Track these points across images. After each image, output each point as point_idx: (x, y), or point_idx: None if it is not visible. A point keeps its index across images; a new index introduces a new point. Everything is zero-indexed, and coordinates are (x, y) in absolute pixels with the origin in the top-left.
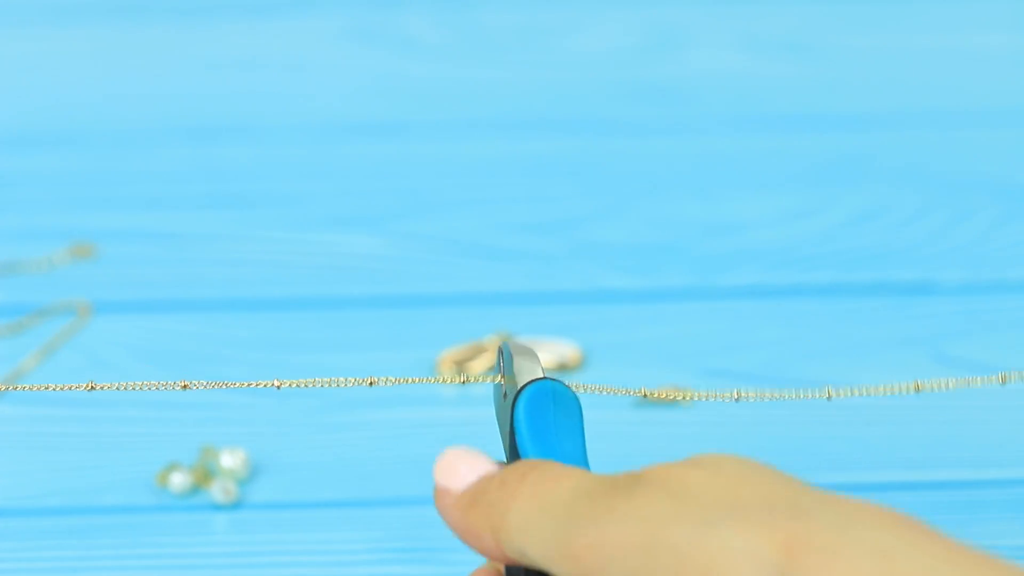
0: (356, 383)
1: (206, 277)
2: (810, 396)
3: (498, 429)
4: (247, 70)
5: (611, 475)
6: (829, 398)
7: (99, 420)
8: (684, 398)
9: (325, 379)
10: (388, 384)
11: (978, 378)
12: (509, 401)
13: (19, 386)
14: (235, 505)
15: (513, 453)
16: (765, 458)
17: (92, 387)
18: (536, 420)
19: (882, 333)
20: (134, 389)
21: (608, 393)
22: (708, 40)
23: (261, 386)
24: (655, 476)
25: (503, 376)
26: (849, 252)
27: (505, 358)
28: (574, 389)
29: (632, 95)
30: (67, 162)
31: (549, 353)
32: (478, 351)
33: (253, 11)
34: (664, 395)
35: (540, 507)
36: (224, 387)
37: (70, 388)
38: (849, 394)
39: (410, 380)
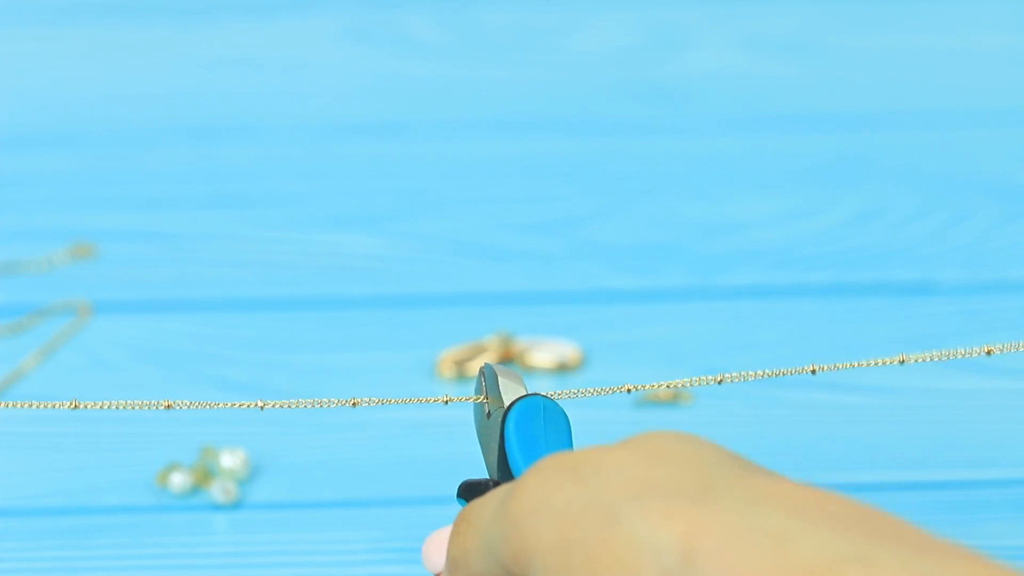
0: (339, 404)
1: (206, 277)
2: (794, 372)
3: (480, 448)
4: (247, 70)
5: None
6: (814, 372)
7: (99, 420)
8: (668, 386)
9: (308, 400)
10: (371, 404)
11: (961, 350)
12: (495, 419)
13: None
14: (235, 505)
15: (503, 467)
16: (765, 458)
17: (76, 406)
18: (526, 435)
19: (882, 333)
20: (119, 408)
21: (595, 395)
22: (708, 40)
23: (245, 407)
24: (570, 462)
25: (487, 396)
26: (849, 252)
27: (488, 379)
28: (563, 394)
29: (632, 95)
30: (67, 162)
31: (549, 353)
32: (478, 351)
33: (253, 11)
34: (654, 387)
35: (482, 535)
36: (208, 407)
37: (53, 407)
38: (834, 368)
39: (393, 400)
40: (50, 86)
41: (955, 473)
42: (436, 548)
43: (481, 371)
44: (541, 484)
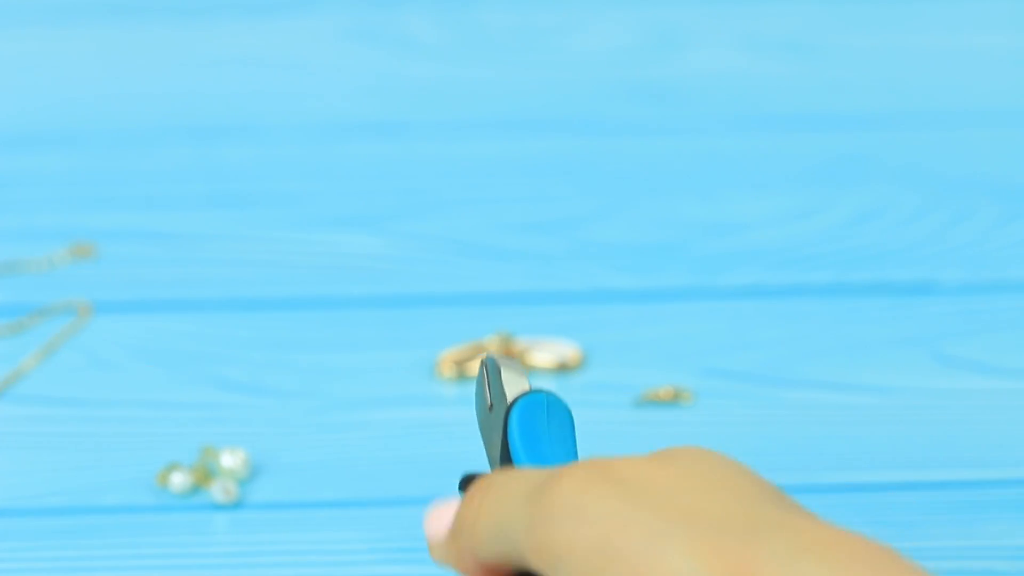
0: None
1: (206, 277)
2: None
3: (482, 441)
4: (247, 70)
5: (566, 464)
6: None
7: (99, 420)
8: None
9: None
10: None
11: None
12: (498, 413)
13: None
14: (235, 505)
15: (506, 463)
16: (765, 458)
17: None
18: (529, 431)
19: (882, 333)
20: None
21: None
22: (708, 40)
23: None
24: (617, 471)
25: (488, 389)
26: (849, 252)
27: (491, 371)
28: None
29: (632, 95)
30: (67, 162)
31: (549, 353)
32: (478, 351)
33: (253, 11)
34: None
35: (501, 511)
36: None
37: None
38: None
39: None
40: (50, 86)
41: (955, 473)
42: (438, 518)
43: (483, 363)
44: (582, 488)
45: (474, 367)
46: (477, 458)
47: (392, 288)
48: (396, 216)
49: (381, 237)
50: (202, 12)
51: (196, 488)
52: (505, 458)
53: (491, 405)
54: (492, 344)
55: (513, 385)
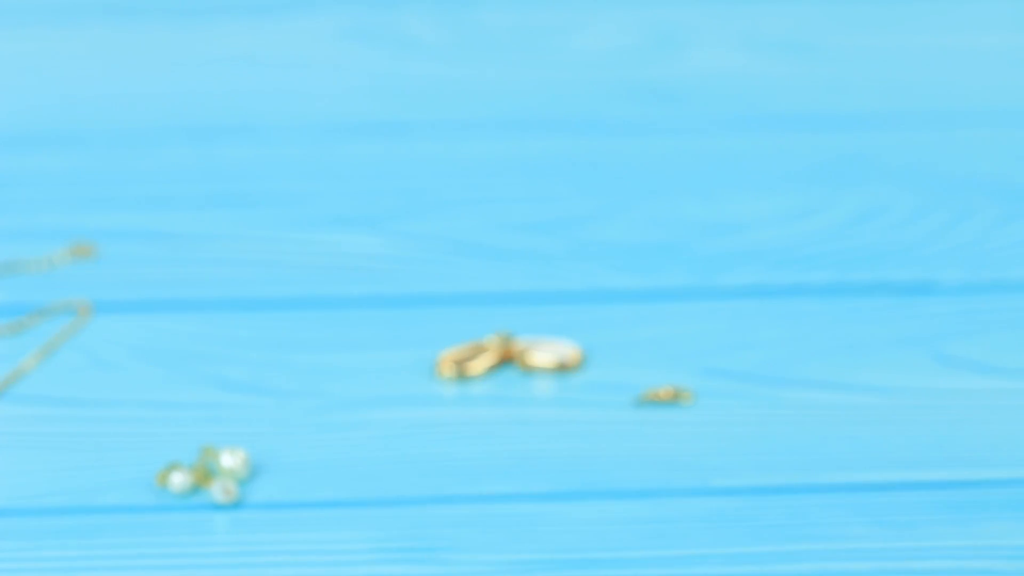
0: None
1: (206, 277)
2: None
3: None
4: (247, 70)
5: None
6: None
7: (99, 420)
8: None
9: None
10: None
11: None
12: None
13: None
14: (235, 505)
15: None
16: (766, 458)
17: None
18: None
19: (882, 333)
20: None
21: None
22: (708, 40)
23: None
24: None
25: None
26: (849, 252)
27: None
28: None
29: (632, 95)
30: (67, 162)
31: (549, 353)
32: (478, 351)
33: (253, 11)
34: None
35: None
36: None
37: None
38: None
39: None
40: (50, 86)
41: (955, 473)
42: None
43: None
44: None
45: (474, 367)
46: (476, 458)
47: (392, 288)
48: (396, 216)
49: (381, 237)
50: (202, 12)
51: (196, 488)
52: None
53: None
54: (492, 344)
55: None
